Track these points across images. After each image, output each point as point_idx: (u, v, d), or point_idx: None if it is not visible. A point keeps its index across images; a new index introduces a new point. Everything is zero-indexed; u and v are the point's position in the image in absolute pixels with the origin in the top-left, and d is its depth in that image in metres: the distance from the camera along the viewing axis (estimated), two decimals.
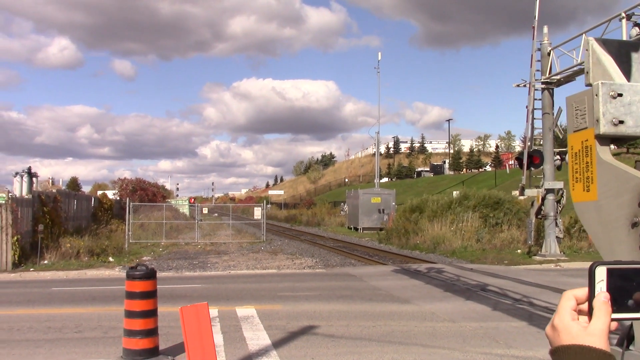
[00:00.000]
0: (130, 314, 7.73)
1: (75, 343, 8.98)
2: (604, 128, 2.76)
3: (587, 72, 3.03)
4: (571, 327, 1.05)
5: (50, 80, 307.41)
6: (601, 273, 1.06)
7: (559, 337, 1.06)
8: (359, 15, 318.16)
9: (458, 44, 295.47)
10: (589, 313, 1.06)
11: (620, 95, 2.78)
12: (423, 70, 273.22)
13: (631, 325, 2.50)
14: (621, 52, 3.07)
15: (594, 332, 1.04)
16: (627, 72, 3.06)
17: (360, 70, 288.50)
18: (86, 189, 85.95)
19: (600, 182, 2.79)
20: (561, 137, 23.64)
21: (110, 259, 21.57)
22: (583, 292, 1.08)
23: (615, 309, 1.05)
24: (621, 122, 2.78)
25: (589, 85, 2.98)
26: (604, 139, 2.84)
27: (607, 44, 3.06)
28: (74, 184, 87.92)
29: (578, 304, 1.09)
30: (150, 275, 7.89)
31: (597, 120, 2.78)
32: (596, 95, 2.77)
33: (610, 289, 1.05)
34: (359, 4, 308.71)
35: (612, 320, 1.05)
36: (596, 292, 1.06)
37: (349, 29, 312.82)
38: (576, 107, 2.92)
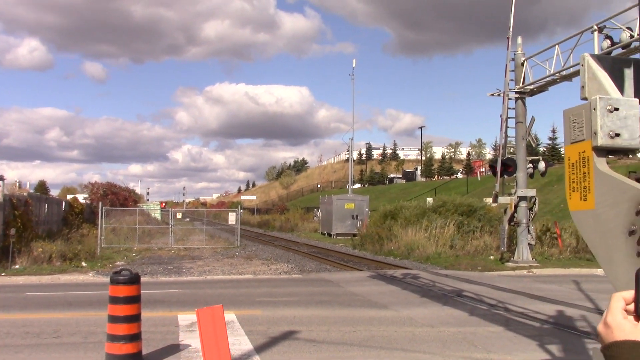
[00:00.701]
0: (113, 319, 7.70)
1: (55, 348, 8.89)
2: (602, 140, 2.90)
3: (583, 87, 3.17)
4: (624, 325, 1.18)
5: (19, 82, 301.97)
6: None
7: (612, 334, 1.18)
8: (334, 22, 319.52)
9: (431, 52, 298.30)
10: (636, 313, 1.18)
11: (616, 109, 2.92)
12: (396, 77, 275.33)
13: None
14: (615, 68, 3.23)
15: None
16: (620, 87, 3.22)
17: (334, 77, 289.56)
18: (54, 192, 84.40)
19: (597, 192, 2.93)
20: (533, 145, 24.09)
21: (83, 263, 21.31)
22: (630, 294, 1.20)
23: None
24: (617, 135, 2.92)
25: (584, 99, 3.12)
26: (601, 151, 2.99)
27: (601, 60, 3.21)
28: (42, 187, 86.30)
29: (626, 305, 1.20)
30: (134, 280, 7.88)
31: (595, 133, 2.92)
32: (594, 109, 2.92)
33: None
34: (333, 10, 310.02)
35: None
36: None
37: (323, 36, 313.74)
38: (574, 119, 3.06)
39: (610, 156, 3.03)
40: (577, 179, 3.05)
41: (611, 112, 2.88)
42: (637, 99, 3.06)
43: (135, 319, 7.79)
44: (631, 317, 1.19)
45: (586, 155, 2.96)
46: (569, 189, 3.13)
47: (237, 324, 10.63)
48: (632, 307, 1.19)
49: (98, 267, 20.70)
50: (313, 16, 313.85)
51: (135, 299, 7.83)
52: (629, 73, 3.26)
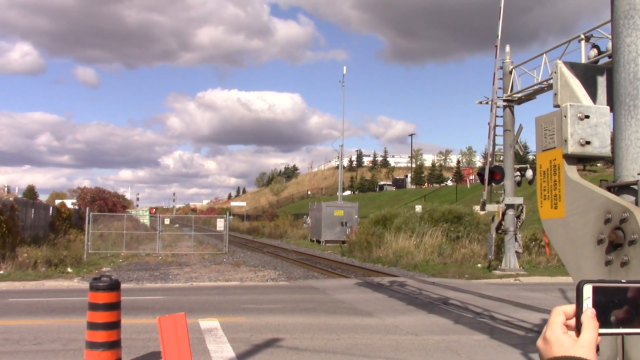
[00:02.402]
0: (92, 326, 7.59)
1: (34, 355, 8.78)
2: (572, 148, 2.88)
3: (556, 94, 3.15)
4: (563, 340, 1.13)
5: (10, 86, 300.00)
6: (588, 291, 1.13)
7: (551, 349, 1.13)
8: (327, 29, 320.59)
9: (423, 59, 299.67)
10: (577, 327, 1.13)
11: (587, 117, 2.90)
12: (388, 84, 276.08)
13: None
14: (587, 76, 3.20)
15: (584, 344, 1.11)
16: (593, 94, 3.20)
17: (327, 83, 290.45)
18: (43, 197, 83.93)
19: (567, 200, 2.90)
20: (521, 153, 24.16)
21: (69, 269, 21.14)
22: (571, 308, 1.16)
23: (600, 324, 1.12)
24: (588, 142, 2.90)
25: (557, 106, 3.09)
26: (572, 159, 2.96)
27: (574, 67, 3.19)
28: (30, 192, 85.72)
29: (566, 319, 1.16)
30: (114, 286, 7.77)
31: (565, 141, 2.89)
32: (565, 116, 2.89)
33: (595, 305, 1.12)
34: (326, 18, 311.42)
35: (598, 334, 1.12)
36: (583, 309, 1.12)
37: (317, 42, 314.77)
38: (545, 127, 3.03)
39: (580, 164, 3.03)
40: (548, 187, 3.02)
41: (582, 119, 2.86)
42: (607, 107, 3.04)
43: (115, 325, 7.69)
44: (572, 332, 1.15)
45: (557, 163, 2.93)
46: (541, 197, 3.10)
47: (221, 331, 10.55)
48: (573, 321, 1.15)
49: (84, 273, 20.53)
50: (306, 23, 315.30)
51: (114, 306, 7.72)
52: (601, 81, 3.23)
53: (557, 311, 1.18)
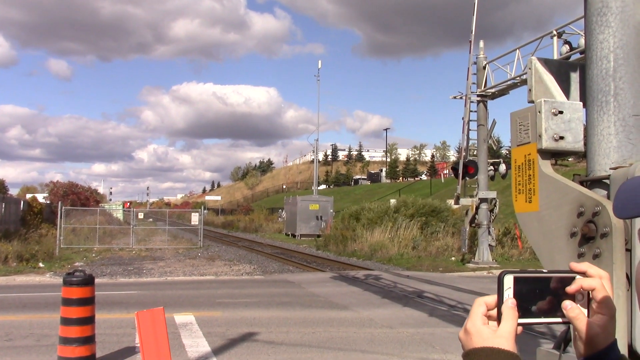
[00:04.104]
0: (66, 321, 7.52)
1: (6, 352, 8.66)
2: (546, 143, 2.94)
3: (530, 90, 3.21)
4: (482, 331, 1.11)
5: None
6: (509, 281, 1.11)
7: (471, 341, 1.12)
8: (304, 22, 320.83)
9: (400, 54, 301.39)
10: (498, 318, 1.12)
11: (561, 112, 2.97)
12: (365, 79, 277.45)
13: (568, 329, 2.64)
14: (561, 72, 3.27)
15: (503, 334, 1.09)
16: (566, 90, 3.27)
17: (303, 78, 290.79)
18: (14, 191, 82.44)
19: (541, 194, 2.96)
20: (495, 148, 24.44)
21: (41, 264, 20.85)
22: (493, 298, 1.14)
23: (521, 314, 1.12)
24: (561, 137, 2.96)
25: (532, 102, 3.16)
26: (546, 153, 3.02)
27: (548, 64, 3.25)
28: (0, 186, 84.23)
29: (488, 310, 1.16)
30: (88, 281, 7.70)
31: (540, 136, 2.96)
32: (539, 112, 2.95)
33: (516, 295, 1.12)
34: (303, 11, 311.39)
35: (519, 324, 1.13)
36: (504, 299, 1.12)
37: (294, 36, 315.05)
38: (520, 122, 3.09)
39: (554, 158, 3.09)
40: (522, 181, 3.09)
41: (555, 115, 2.92)
42: (581, 103, 3.11)
43: (89, 321, 7.62)
44: (493, 323, 1.13)
45: (531, 157, 2.99)
46: (515, 191, 3.17)
47: (196, 325, 10.51)
48: (494, 312, 1.13)
49: (56, 268, 20.27)
50: (283, 17, 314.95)
51: (88, 301, 7.65)
52: (574, 77, 3.31)
53: (479, 302, 1.15)
